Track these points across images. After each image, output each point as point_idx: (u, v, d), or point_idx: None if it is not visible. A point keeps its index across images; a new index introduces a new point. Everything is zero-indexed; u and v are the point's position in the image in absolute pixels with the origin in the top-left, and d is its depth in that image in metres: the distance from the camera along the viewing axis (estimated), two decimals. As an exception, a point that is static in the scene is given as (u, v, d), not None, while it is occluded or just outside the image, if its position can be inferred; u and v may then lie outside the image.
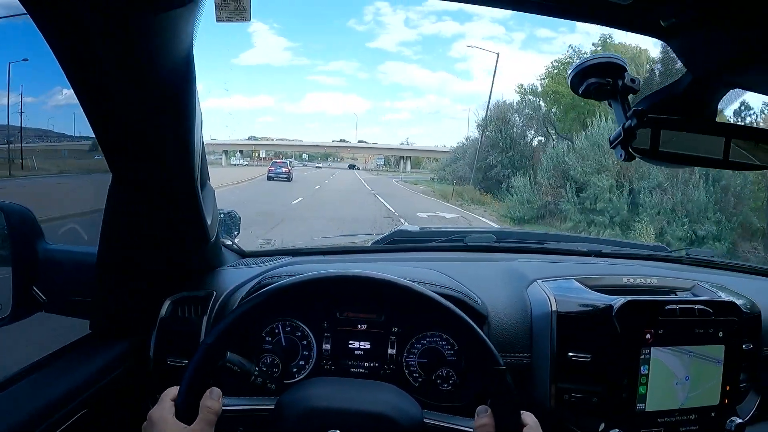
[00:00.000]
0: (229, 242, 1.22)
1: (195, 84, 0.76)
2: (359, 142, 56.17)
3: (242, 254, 1.24)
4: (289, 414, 0.67)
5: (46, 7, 0.59)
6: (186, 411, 0.64)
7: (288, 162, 22.92)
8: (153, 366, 0.94)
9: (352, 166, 51.24)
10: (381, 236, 1.50)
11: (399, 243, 1.41)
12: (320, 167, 46.18)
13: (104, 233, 0.87)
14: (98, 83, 0.69)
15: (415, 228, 1.60)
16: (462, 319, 0.72)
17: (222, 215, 1.23)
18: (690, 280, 1.13)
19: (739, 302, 1.01)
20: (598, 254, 1.33)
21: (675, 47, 0.67)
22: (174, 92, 0.73)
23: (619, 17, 0.65)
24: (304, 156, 60.34)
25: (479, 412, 0.68)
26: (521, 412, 0.69)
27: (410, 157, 47.36)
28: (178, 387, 0.66)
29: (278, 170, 20.13)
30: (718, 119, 0.74)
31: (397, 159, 49.08)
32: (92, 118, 0.74)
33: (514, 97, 20.39)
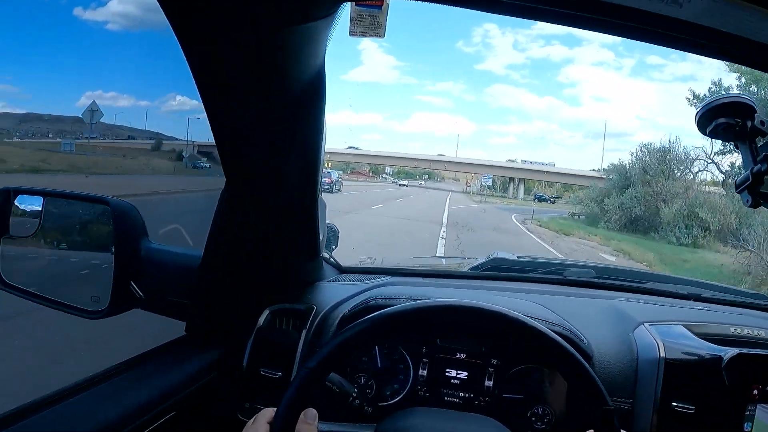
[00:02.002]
0: (327, 255, 1.30)
1: (325, 97, 0.83)
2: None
3: (340, 269, 1.34)
4: None
5: (187, 16, 0.67)
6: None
7: (331, 173, 24.22)
8: (245, 375, 1.02)
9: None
10: (479, 261, 1.61)
11: (497, 270, 1.53)
12: (405, 185, 45.66)
13: (212, 237, 0.97)
14: (228, 91, 0.77)
15: (513, 256, 1.72)
16: (573, 356, 0.76)
17: None
18: None
19: None
20: (698, 298, 1.39)
21: None
22: (305, 104, 0.81)
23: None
24: (410, 172, 62.48)
25: None
26: None
27: (524, 179, 45.63)
28: (274, 409, 0.71)
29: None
30: None
31: (506, 181, 47.53)
32: (216, 124, 0.82)
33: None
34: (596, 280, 1.46)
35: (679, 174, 16.54)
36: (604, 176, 21.10)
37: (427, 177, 62.96)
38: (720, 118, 0.71)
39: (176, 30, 0.68)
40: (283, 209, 0.96)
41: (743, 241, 11.03)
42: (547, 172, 45.53)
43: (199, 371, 0.98)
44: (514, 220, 17.50)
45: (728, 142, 0.74)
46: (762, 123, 0.70)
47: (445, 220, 13.45)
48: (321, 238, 1.05)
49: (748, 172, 0.69)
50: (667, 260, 11.92)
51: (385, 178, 50.80)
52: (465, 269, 1.62)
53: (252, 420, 0.72)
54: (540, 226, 16.46)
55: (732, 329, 1.13)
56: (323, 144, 0.90)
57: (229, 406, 1.01)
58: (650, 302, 1.33)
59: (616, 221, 17.30)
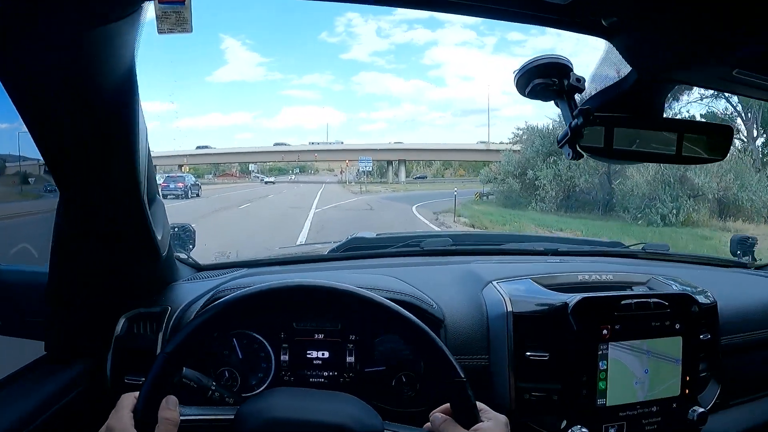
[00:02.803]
0: (184, 256, 1.40)
1: (138, 98, 0.88)
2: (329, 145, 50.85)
3: (198, 268, 1.43)
4: (248, 424, 0.77)
5: None
6: (145, 421, 0.73)
7: (185, 177, 23.39)
8: (111, 385, 1.09)
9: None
10: (338, 243, 1.74)
11: (356, 250, 1.64)
12: (272, 182, 43.90)
13: (54, 252, 1.02)
14: (38, 99, 0.80)
15: (372, 234, 1.86)
16: (419, 328, 0.83)
17: (176, 229, 1.44)
18: (646, 274, 1.35)
19: (694, 294, 1.22)
20: (555, 253, 1.59)
21: (618, 46, 0.78)
22: (116, 107, 0.85)
23: (560, 17, 0.75)
24: (283, 168, 61.01)
25: (434, 421, 0.81)
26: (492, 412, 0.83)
27: (404, 161, 44.99)
28: (135, 395, 0.76)
29: (171, 186, 21.37)
30: (665, 115, 0.88)
31: (383, 165, 46.67)
32: (35, 135, 0.85)
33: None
34: (453, 248, 1.61)
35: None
36: (503, 148, 19.89)
37: (298, 171, 61.92)
38: (537, 78, 0.77)
39: None
40: (114, 215, 1.01)
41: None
42: (432, 150, 45.62)
43: (63, 389, 1.02)
44: (420, 217, 14.23)
45: (547, 101, 0.81)
46: (578, 80, 0.76)
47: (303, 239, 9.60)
48: (160, 239, 1.10)
49: (567, 127, 0.76)
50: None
51: (256, 177, 49.17)
52: (326, 253, 1.72)
53: (114, 409, 0.76)
54: (463, 221, 13.05)
55: (580, 277, 1.28)
56: (141, 147, 0.95)
57: (99, 419, 1.06)
58: (506, 262, 1.49)
59: (552, 200, 15.28)
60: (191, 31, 0.85)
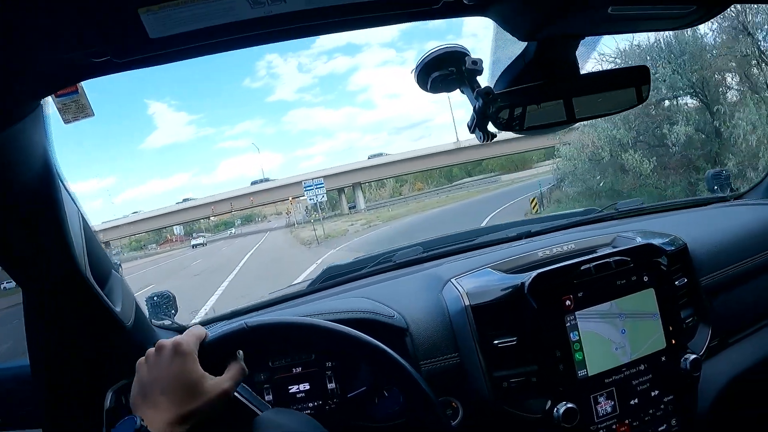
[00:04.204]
0: (168, 321, 1.54)
1: (60, 187, 0.98)
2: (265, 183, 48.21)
3: (181, 330, 1.53)
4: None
5: None
6: (212, 357, 0.91)
7: None
8: None
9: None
10: (314, 277, 1.86)
11: (333, 279, 1.75)
12: (202, 244, 43.08)
13: (29, 345, 1.16)
14: None
15: (346, 260, 1.95)
16: (362, 341, 0.94)
17: (155, 298, 1.58)
18: (610, 234, 1.48)
19: (659, 242, 1.33)
20: (528, 235, 1.72)
21: (496, 19, 0.84)
22: (41, 201, 0.95)
23: (428, 9, 0.81)
24: (228, 221, 60.28)
25: None
26: None
27: (359, 183, 43.57)
28: (203, 329, 0.94)
29: None
30: (583, 72, 0.92)
31: (335, 195, 45.22)
32: None
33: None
34: (424, 255, 1.73)
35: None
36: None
37: (239, 222, 61.32)
38: (434, 72, 0.83)
39: None
40: (66, 299, 1.12)
41: None
42: (397, 161, 42.71)
43: None
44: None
45: (452, 90, 0.86)
46: (474, 62, 0.81)
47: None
48: (120, 310, 1.21)
49: (473, 111, 0.82)
50: None
51: (195, 236, 47.91)
52: (305, 288, 1.79)
53: (183, 334, 0.92)
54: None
55: (540, 253, 1.39)
56: (73, 233, 1.05)
57: None
58: (474, 256, 1.58)
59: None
60: (93, 114, 1.00)
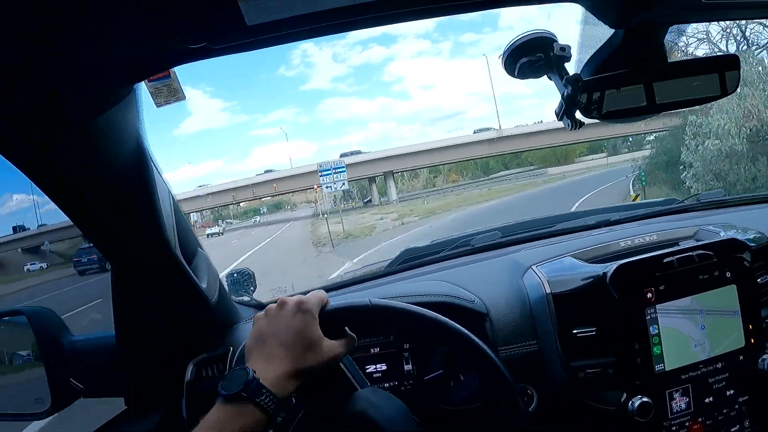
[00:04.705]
0: (247, 298, 1.62)
1: (152, 168, 1.07)
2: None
3: (260, 307, 1.62)
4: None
5: None
6: (329, 323, 0.95)
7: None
8: (188, 428, 1.25)
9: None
10: (392, 259, 1.93)
11: (411, 261, 1.81)
12: (218, 233, 41.84)
13: (116, 317, 1.26)
14: (64, 188, 0.99)
15: (424, 243, 2.01)
16: (448, 326, 0.98)
17: (234, 275, 1.67)
18: (693, 226, 1.47)
19: (743, 237, 1.32)
20: (607, 224, 1.73)
21: (586, 7, 0.85)
22: (134, 181, 1.03)
23: None
24: (263, 210, 60.92)
25: None
26: None
27: (391, 172, 41.68)
28: (325, 295, 0.98)
29: (84, 260, 21.85)
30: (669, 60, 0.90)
31: (365, 186, 44.36)
32: (71, 219, 1.05)
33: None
34: (502, 240, 1.76)
35: None
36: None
37: (264, 210, 61.65)
38: (522, 58, 0.84)
39: None
40: (155, 277, 1.21)
41: None
42: (427, 151, 40.34)
43: None
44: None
45: (538, 77, 0.87)
46: (562, 49, 0.82)
47: None
48: (206, 287, 1.30)
49: (561, 98, 0.83)
50: None
51: (212, 225, 47.79)
52: (381, 270, 1.87)
53: (308, 295, 0.97)
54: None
55: (623, 243, 1.39)
56: (165, 212, 1.14)
57: None
58: (553, 243, 1.59)
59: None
60: (185, 98, 1.08)
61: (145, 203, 1.08)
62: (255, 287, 1.73)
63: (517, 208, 19.59)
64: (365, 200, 45.86)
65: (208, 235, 40.12)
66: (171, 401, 1.32)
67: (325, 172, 20.51)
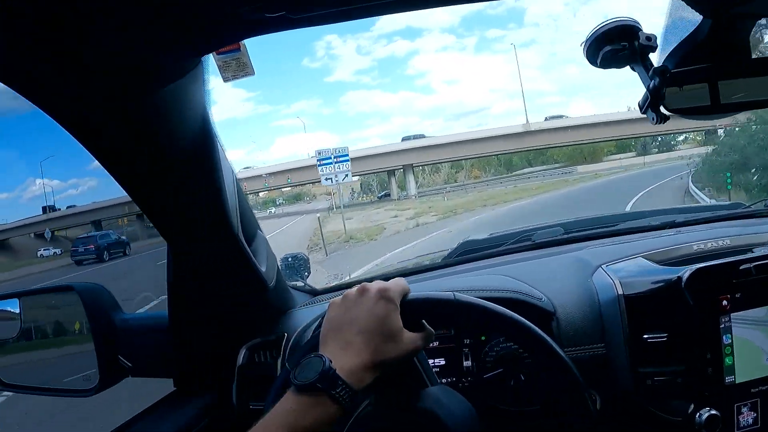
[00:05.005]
0: (301, 284, 1.62)
1: (217, 145, 1.05)
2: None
3: (314, 293, 1.63)
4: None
5: (54, 102, 0.84)
6: (410, 314, 0.91)
7: (97, 235, 24.70)
8: (237, 412, 1.30)
9: None
10: (450, 250, 1.92)
11: (469, 253, 1.80)
12: None
13: (170, 298, 1.26)
14: (125, 163, 0.98)
15: (484, 235, 1.98)
16: (521, 324, 0.94)
17: (289, 259, 1.68)
18: (766, 233, 1.42)
19: None
20: (672, 225, 1.68)
21: None
22: (199, 158, 1.02)
23: None
24: (279, 201, 61.35)
25: None
26: None
27: (411, 165, 41.10)
28: (406, 284, 0.94)
29: (81, 249, 23.04)
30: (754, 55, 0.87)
31: (384, 178, 43.78)
32: (131, 193, 1.04)
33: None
34: (564, 237, 1.73)
35: None
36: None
37: (281, 201, 61.83)
38: (605, 46, 0.81)
39: (51, 114, 0.84)
40: (213, 256, 1.21)
41: None
42: (449, 144, 40.03)
43: (192, 420, 1.26)
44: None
45: (621, 67, 0.83)
46: (648, 38, 0.79)
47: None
48: (264, 271, 1.29)
49: (647, 90, 0.80)
50: None
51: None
52: (439, 261, 1.87)
53: (390, 282, 0.93)
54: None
55: (695, 246, 1.35)
56: (228, 191, 1.12)
57: None
58: (619, 243, 1.56)
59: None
60: (254, 73, 1.06)
61: (209, 181, 1.07)
62: (309, 273, 1.73)
63: (558, 209, 18.10)
64: (381, 194, 45.61)
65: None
66: (219, 385, 1.33)
67: (325, 161, 18.16)
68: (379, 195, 45.29)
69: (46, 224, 32.04)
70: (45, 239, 29.96)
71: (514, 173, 61.73)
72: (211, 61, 0.96)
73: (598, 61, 0.83)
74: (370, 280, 1.60)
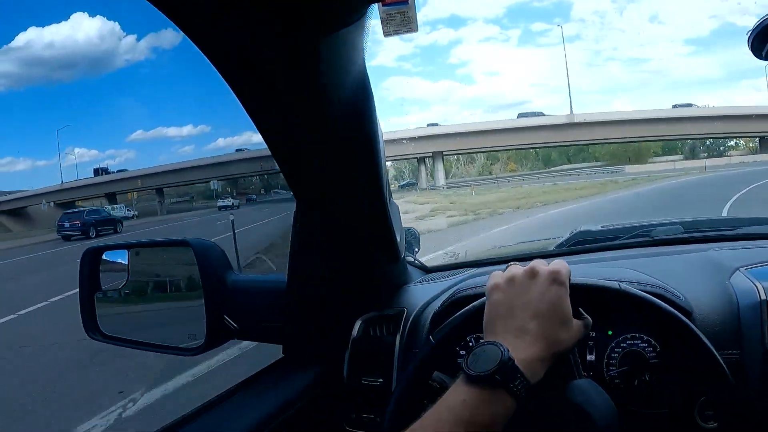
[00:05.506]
0: (411, 259, 1.59)
1: (373, 102, 1.02)
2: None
3: (426, 270, 1.62)
4: None
5: (216, 45, 0.83)
6: (573, 301, 0.89)
7: (84, 211, 26.06)
8: (347, 386, 1.28)
9: None
10: (564, 238, 1.92)
11: (582, 244, 1.79)
12: (228, 206, 37.83)
13: (293, 259, 1.23)
14: (277, 112, 0.95)
15: (597, 227, 1.99)
16: (675, 316, 0.95)
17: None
18: None
19: None
20: None
21: None
22: (356, 113, 0.99)
23: None
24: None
25: None
26: None
27: (440, 153, 41.07)
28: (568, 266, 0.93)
29: (66, 225, 24.36)
30: None
31: (415, 165, 44.04)
32: (274, 148, 1.02)
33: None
34: (686, 236, 1.69)
35: None
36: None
37: None
38: None
39: (210, 58, 0.83)
40: (355, 219, 1.19)
41: None
42: (487, 131, 40.13)
43: (301, 391, 1.25)
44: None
45: None
46: None
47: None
48: (398, 240, 1.29)
49: None
50: None
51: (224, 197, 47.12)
52: (551, 248, 1.90)
53: (556, 264, 0.91)
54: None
55: None
56: (381, 150, 1.09)
57: (336, 419, 1.29)
58: (745, 247, 1.52)
59: None
60: (417, 30, 1.01)
61: (366, 138, 1.03)
62: (419, 248, 1.72)
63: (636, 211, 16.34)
64: (403, 183, 45.58)
65: (219, 208, 37.19)
66: (331, 356, 1.31)
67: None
68: (402, 184, 45.16)
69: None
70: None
71: (553, 168, 61.23)
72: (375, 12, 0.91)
73: (764, 53, 0.82)
74: (492, 261, 1.59)
